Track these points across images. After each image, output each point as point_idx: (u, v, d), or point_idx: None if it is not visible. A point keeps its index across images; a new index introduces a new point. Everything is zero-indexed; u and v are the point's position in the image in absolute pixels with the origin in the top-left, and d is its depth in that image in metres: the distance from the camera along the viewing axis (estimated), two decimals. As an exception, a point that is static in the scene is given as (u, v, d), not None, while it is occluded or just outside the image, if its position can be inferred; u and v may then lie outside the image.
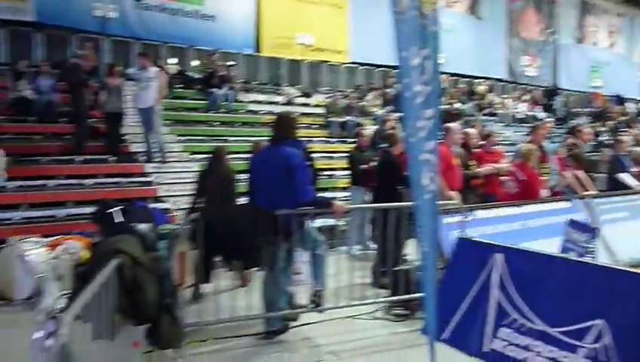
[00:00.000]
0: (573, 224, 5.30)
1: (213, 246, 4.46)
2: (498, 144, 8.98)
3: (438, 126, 3.06)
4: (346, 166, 9.06)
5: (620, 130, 15.69)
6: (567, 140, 8.45)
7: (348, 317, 5.33)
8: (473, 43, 19.66)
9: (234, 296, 4.94)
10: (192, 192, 6.57)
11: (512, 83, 21.42)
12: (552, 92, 20.58)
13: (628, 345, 2.78)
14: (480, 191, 7.37)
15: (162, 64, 12.04)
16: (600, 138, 15.33)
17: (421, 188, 2.95)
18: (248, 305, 5.01)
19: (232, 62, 14.20)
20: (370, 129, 10.39)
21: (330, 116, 13.58)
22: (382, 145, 7.43)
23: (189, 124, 11.89)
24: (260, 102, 14.01)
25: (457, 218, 5.09)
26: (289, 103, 14.23)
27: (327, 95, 15.54)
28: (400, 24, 2.88)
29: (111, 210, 6.16)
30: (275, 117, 5.11)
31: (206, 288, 5.38)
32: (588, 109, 20.58)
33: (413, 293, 5.26)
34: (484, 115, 16.86)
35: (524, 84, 21.42)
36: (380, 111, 14.12)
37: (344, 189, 9.54)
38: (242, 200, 5.89)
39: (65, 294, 5.56)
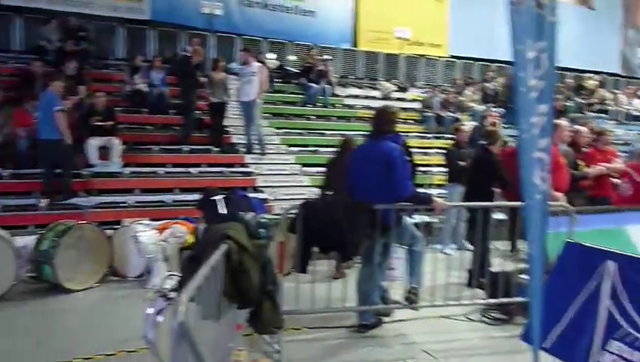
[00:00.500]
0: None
1: (312, 236, 4.55)
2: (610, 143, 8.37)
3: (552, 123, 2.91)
4: (442, 162, 8.87)
5: None
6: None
7: (442, 316, 5.24)
8: (583, 34, 18.38)
9: (329, 287, 5.02)
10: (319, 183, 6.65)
11: (626, 77, 19.81)
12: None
13: None
14: (588, 194, 6.92)
15: (263, 59, 12.43)
16: None
17: (532, 187, 2.82)
18: (343, 297, 5.07)
19: (329, 57, 14.36)
20: (469, 125, 10.09)
21: (426, 111, 13.34)
22: (481, 142, 7.19)
23: (287, 117, 12.19)
24: (356, 97, 14.05)
25: (563, 220, 4.82)
26: (385, 98, 14.13)
27: (424, 89, 15.27)
28: (515, 15, 2.76)
29: (214, 198, 6.52)
30: (374, 111, 5.11)
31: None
32: None
33: (513, 297, 5.08)
34: (593, 111, 15.75)
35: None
36: (478, 107, 13.66)
37: (440, 186, 9.35)
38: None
39: (171, 274, 5.97)
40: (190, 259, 3.71)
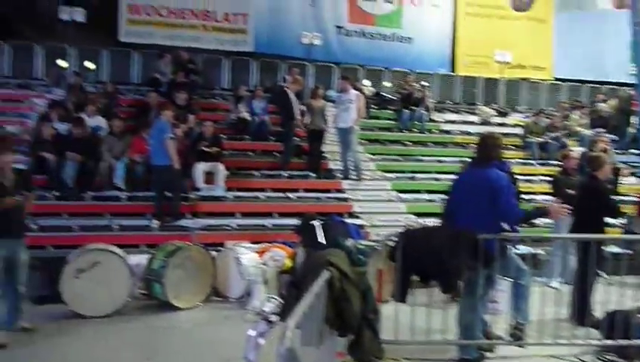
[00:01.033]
0: None
1: (412, 265, 4.48)
2: None
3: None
4: (548, 191, 8.41)
5: None
6: None
7: (551, 356, 4.90)
8: None
9: (429, 317, 4.89)
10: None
11: None
12: None
13: None
14: None
15: (360, 86, 12.58)
16: None
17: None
18: (443, 329, 4.91)
19: (425, 83, 14.25)
20: (577, 151, 9.50)
21: (529, 136, 12.74)
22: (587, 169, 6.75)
23: (383, 143, 12.19)
24: (453, 122, 13.77)
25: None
26: (485, 123, 13.73)
27: (526, 114, 14.64)
28: None
29: (313, 223, 6.63)
30: (478, 137, 4.98)
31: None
32: None
33: (632, 339, 4.65)
34: None
35: None
36: (586, 132, 12.84)
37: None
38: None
39: (270, 297, 6.12)
40: (292, 285, 3.80)
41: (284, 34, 14.42)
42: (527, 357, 4.83)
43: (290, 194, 9.51)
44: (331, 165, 10.70)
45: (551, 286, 6.90)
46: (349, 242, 5.96)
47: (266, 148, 10.91)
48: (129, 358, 4.87)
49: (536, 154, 12.26)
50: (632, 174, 11.06)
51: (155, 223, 8.23)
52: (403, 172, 11.08)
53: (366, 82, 14.47)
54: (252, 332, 4.26)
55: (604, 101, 14.65)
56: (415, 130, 12.81)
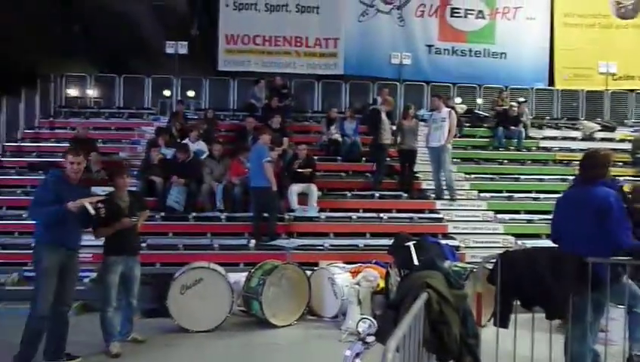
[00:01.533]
0: None
1: (513, 289, 4.29)
2: None
3: None
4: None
5: None
6: None
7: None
8: None
9: (531, 345, 4.64)
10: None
11: None
12: None
13: None
14: None
15: (452, 104, 12.38)
16: None
17: None
18: (546, 357, 4.63)
19: (522, 99, 13.74)
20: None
21: (638, 152, 11.86)
22: None
23: (478, 162, 11.87)
24: (553, 138, 13.11)
25: None
26: (588, 138, 12.96)
27: (635, 128, 13.63)
28: None
29: (407, 244, 6.55)
30: (584, 154, 4.71)
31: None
32: None
33: None
34: None
35: None
36: None
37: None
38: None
39: (364, 318, 6.12)
40: (388, 306, 3.78)
41: (373, 55, 14.57)
42: (646, 392, 4.44)
43: (382, 215, 9.50)
44: (424, 185, 10.58)
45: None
46: (446, 263, 5.84)
47: (358, 169, 11.03)
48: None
49: (647, 171, 11.38)
50: None
51: (252, 242, 8.54)
52: (499, 191, 10.71)
53: (457, 100, 14.23)
54: (348, 353, 4.29)
55: None
56: (511, 147, 12.37)
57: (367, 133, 11.19)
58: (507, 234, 9.27)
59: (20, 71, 14.93)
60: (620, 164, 11.87)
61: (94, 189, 9.12)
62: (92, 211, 4.82)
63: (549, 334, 4.21)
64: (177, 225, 8.94)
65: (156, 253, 8.27)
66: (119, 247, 5.47)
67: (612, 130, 13.66)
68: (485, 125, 13.18)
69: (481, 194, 10.41)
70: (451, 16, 14.74)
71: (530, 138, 12.80)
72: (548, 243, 5.29)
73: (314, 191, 9.38)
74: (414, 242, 6.62)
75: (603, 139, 13.06)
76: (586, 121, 14.04)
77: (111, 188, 5.80)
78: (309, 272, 6.89)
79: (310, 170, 9.45)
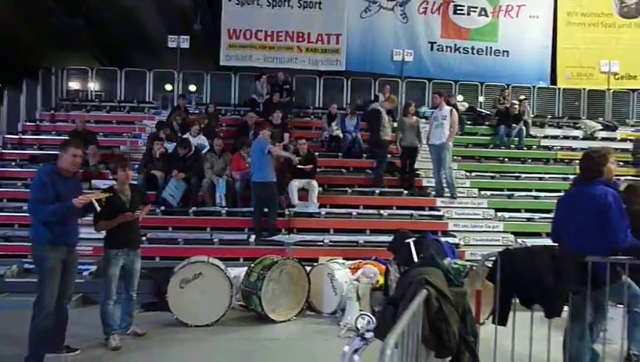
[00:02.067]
0: None
1: (512, 287, 4.29)
2: None
3: None
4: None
5: None
6: None
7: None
8: None
9: (529, 343, 4.64)
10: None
11: None
12: None
13: None
14: None
15: (453, 102, 12.37)
16: None
17: None
18: (545, 357, 4.63)
19: (523, 97, 13.72)
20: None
21: (640, 152, 11.88)
22: None
23: (479, 160, 11.87)
24: (554, 138, 13.11)
25: None
26: (589, 138, 12.95)
27: (637, 127, 13.63)
28: None
29: (407, 241, 6.57)
30: (583, 153, 4.71)
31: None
32: None
33: None
34: None
35: None
36: None
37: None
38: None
39: (363, 314, 6.13)
40: (387, 302, 3.78)
41: (375, 52, 14.54)
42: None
43: (382, 211, 9.49)
44: (425, 182, 10.58)
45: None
46: (445, 261, 5.84)
47: (359, 166, 11.02)
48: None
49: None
50: None
51: (252, 237, 8.54)
52: (500, 189, 10.71)
53: (459, 97, 14.20)
54: (347, 349, 4.29)
55: None
56: (512, 145, 12.37)
57: (368, 129, 11.18)
58: (507, 232, 9.28)
59: (22, 63, 14.93)
60: (622, 163, 11.87)
61: (94, 182, 9.22)
62: (98, 208, 4.82)
63: (547, 332, 4.20)
64: (177, 220, 8.95)
65: (156, 247, 8.27)
66: (120, 241, 5.48)
67: (613, 129, 13.65)
68: (487, 123, 13.17)
69: (482, 192, 10.40)
70: (454, 13, 14.70)
71: (532, 136, 12.81)
72: (548, 241, 5.32)
73: (314, 187, 9.38)
74: (414, 239, 6.65)
75: (604, 139, 13.05)
76: (587, 120, 14.03)
77: (112, 182, 5.80)
78: (308, 268, 6.89)
79: (311, 166, 9.44)
